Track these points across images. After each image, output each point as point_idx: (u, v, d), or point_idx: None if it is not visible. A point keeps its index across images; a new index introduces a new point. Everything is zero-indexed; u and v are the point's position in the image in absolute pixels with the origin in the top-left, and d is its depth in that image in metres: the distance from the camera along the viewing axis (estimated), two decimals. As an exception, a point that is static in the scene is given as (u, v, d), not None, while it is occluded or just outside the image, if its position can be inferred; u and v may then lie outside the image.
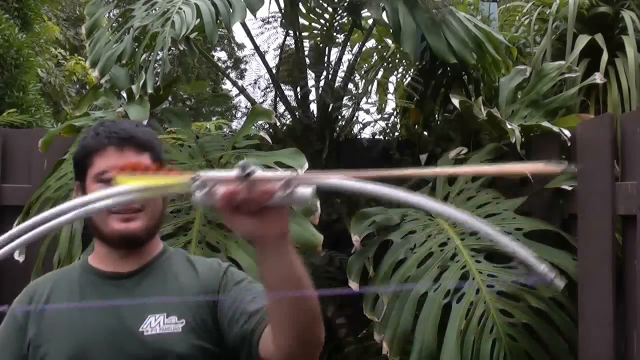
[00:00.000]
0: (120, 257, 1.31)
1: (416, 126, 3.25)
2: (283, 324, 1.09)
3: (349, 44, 3.25)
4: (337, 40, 3.19)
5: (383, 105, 3.54)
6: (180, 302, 1.27)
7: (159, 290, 1.29)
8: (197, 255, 1.43)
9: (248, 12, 2.53)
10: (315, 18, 3.21)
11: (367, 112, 3.27)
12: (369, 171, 0.93)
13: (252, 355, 1.23)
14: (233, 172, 0.89)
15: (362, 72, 3.49)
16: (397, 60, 3.39)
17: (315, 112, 3.15)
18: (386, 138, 3.23)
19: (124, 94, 2.79)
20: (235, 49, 10.25)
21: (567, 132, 2.39)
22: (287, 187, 0.89)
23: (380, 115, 3.37)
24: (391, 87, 3.54)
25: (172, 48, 2.45)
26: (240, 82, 5.27)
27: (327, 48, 3.19)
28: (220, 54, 10.32)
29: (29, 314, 1.29)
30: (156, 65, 2.67)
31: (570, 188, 2.28)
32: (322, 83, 3.12)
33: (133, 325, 1.24)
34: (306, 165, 2.22)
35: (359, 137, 3.28)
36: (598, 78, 2.71)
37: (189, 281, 1.31)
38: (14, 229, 0.87)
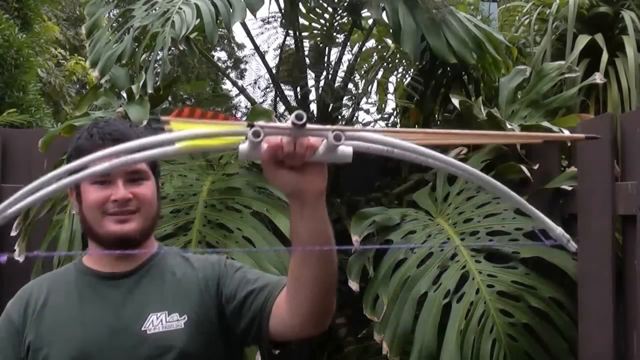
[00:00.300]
0: (116, 258, 1.31)
1: (416, 126, 3.25)
2: (307, 285, 1.13)
3: (349, 44, 3.25)
4: (337, 40, 3.19)
5: (383, 105, 3.55)
6: (180, 299, 1.27)
7: (157, 288, 1.29)
8: (190, 253, 1.44)
9: (248, 12, 2.53)
10: (315, 18, 3.21)
11: (367, 112, 3.28)
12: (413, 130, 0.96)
13: (262, 332, 1.25)
14: (287, 123, 0.89)
15: (362, 72, 3.49)
16: (397, 60, 3.39)
17: (315, 112, 3.15)
18: (386, 138, 3.22)
19: (124, 94, 2.79)
20: (235, 49, 10.25)
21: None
22: (336, 140, 0.89)
23: (380, 115, 3.37)
24: (391, 87, 3.55)
25: (172, 48, 2.45)
26: (240, 82, 5.27)
27: (327, 48, 3.19)
28: (220, 54, 10.32)
29: (27, 317, 1.29)
30: (156, 65, 2.67)
31: (570, 188, 2.27)
32: (322, 83, 3.12)
33: (134, 325, 1.24)
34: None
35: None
36: (598, 78, 2.71)
37: (186, 277, 1.32)
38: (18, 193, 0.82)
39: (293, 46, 3.16)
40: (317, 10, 3.19)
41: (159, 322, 1.25)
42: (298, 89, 3.14)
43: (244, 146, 0.90)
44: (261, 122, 0.90)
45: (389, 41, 3.37)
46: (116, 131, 1.28)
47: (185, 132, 0.87)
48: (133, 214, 1.27)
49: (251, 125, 0.88)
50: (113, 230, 1.26)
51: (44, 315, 1.28)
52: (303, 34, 3.18)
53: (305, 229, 1.07)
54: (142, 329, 1.24)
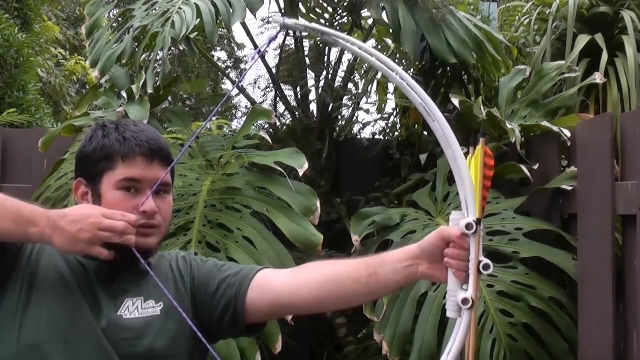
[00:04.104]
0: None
1: (416, 126, 3.25)
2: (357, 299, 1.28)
3: (349, 44, 3.24)
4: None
5: (383, 105, 3.55)
6: (156, 286, 1.24)
7: (136, 277, 1.26)
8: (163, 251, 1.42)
9: (248, 12, 2.53)
10: (315, 18, 3.21)
11: (367, 112, 3.28)
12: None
13: (238, 318, 1.26)
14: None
15: (362, 72, 3.49)
16: (397, 60, 3.39)
17: (315, 112, 3.16)
18: (386, 138, 3.23)
19: (124, 94, 2.79)
20: (235, 49, 10.24)
21: (567, 132, 2.38)
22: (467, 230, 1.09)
23: (380, 115, 3.37)
24: (391, 87, 3.54)
25: (172, 48, 2.45)
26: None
27: (327, 48, 3.19)
28: (220, 54, 10.31)
29: (30, 257, 1.23)
30: (156, 65, 2.68)
31: (570, 188, 2.27)
32: (322, 83, 3.12)
33: (111, 310, 1.21)
34: (306, 165, 2.22)
35: (359, 137, 3.28)
36: (598, 78, 2.71)
37: (161, 266, 1.30)
38: None
39: (293, 46, 3.16)
40: (317, 10, 3.20)
41: (134, 308, 1.23)
42: (298, 89, 3.14)
43: None
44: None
45: (389, 41, 3.38)
46: (153, 141, 1.25)
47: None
48: (155, 229, 1.24)
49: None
50: (137, 242, 1.21)
51: (36, 277, 1.21)
52: (303, 34, 3.18)
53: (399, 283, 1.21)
54: (118, 313, 1.21)
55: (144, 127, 1.30)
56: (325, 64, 3.19)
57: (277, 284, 1.25)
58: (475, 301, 1.05)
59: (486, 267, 1.06)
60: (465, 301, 1.05)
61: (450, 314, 1.08)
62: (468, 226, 1.06)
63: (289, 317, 2.06)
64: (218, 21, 2.50)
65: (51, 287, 1.21)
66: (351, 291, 1.21)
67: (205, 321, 1.27)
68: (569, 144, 2.39)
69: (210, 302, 1.27)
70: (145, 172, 1.23)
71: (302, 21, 0.98)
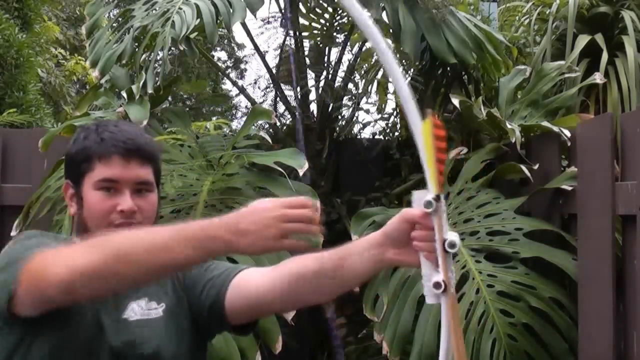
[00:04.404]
0: None
1: (416, 126, 3.24)
2: (324, 294, 1.25)
3: (349, 44, 3.25)
4: (337, 40, 3.19)
5: (383, 105, 3.55)
6: (156, 287, 1.26)
7: None
8: None
9: (248, 12, 2.53)
10: (315, 18, 3.21)
11: (367, 112, 3.28)
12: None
13: (222, 319, 1.26)
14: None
15: (362, 72, 3.49)
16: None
17: (315, 112, 3.15)
18: (386, 138, 3.23)
19: (124, 94, 2.79)
20: (235, 49, 10.24)
21: (567, 132, 2.38)
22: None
23: (380, 115, 3.37)
24: (391, 87, 3.54)
25: (172, 48, 2.45)
26: (240, 82, 5.27)
27: (327, 48, 3.19)
28: (220, 54, 10.31)
29: None
30: (156, 65, 2.67)
31: (570, 188, 2.27)
32: (322, 83, 3.12)
33: (116, 314, 1.22)
34: (306, 165, 2.22)
35: (359, 137, 3.28)
36: (598, 78, 2.71)
37: None
38: None
39: (293, 46, 3.16)
40: (317, 10, 3.20)
41: (139, 309, 1.23)
42: (298, 89, 3.14)
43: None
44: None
45: (389, 41, 3.37)
46: (130, 140, 1.24)
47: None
48: (136, 225, 1.23)
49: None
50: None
51: None
52: (303, 34, 3.18)
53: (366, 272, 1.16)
54: (124, 316, 1.22)
55: (124, 127, 1.30)
56: (325, 64, 3.19)
57: (252, 283, 1.25)
58: (448, 283, 0.97)
59: (451, 245, 0.97)
60: (437, 285, 0.97)
61: (428, 299, 1.01)
62: (426, 204, 0.98)
63: (289, 317, 2.06)
64: (218, 21, 2.50)
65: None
66: (318, 285, 1.18)
67: (198, 321, 1.29)
68: (569, 144, 2.39)
69: (198, 302, 1.28)
70: (122, 172, 1.23)
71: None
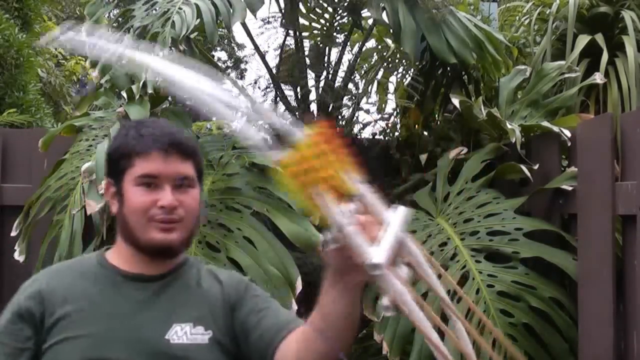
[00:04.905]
0: (148, 261, 1.26)
1: (416, 126, 3.25)
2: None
3: (349, 44, 3.25)
4: (337, 40, 3.19)
5: (383, 105, 3.54)
6: (205, 312, 1.23)
7: (184, 297, 1.25)
8: (215, 267, 1.41)
9: (248, 12, 2.53)
10: (315, 18, 3.21)
11: (367, 112, 3.27)
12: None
13: None
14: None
15: (362, 72, 3.49)
16: (397, 60, 3.39)
17: (315, 112, 3.15)
18: (386, 138, 3.23)
19: (124, 94, 2.79)
20: (235, 49, 10.25)
21: (567, 132, 2.38)
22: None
23: (380, 115, 3.37)
24: (391, 87, 3.54)
25: (172, 48, 2.45)
26: (240, 82, 5.26)
27: (327, 48, 3.19)
28: (220, 54, 10.32)
29: (44, 312, 1.22)
30: (156, 65, 2.67)
31: (570, 188, 2.27)
32: (322, 83, 3.12)
33: (157, 331, 1.20)
34: (306, 165, 2.21)
35: (359, 137, 3.28)
36: (598, 78, 2.71)
37: (212, 290, 1.28)
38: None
39: (293, 46, 3.16)
40: (317, 10, 3.19)
41: (183, 333, 1.20)
42: (298, 89, 3.14)
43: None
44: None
45: (389, 41, 3.37)
46: (169, 135, 1.24)
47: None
48: (177, 223, 1.22)
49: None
50: (157, 238, 1.21)
51: (62, 310, 1.22)
52: (303, 34, 3.18)
53: (346, 307, 1.09)
54: (166, 337, 1.19)
55: (163, 123, 1.30)
56: (325, 64, 3.19)
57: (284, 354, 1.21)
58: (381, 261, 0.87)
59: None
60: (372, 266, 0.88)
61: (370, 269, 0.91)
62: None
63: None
64: (218, 21, 2.50)
65: (76, 321, 1.21)
66: (321, 350, 1.13)
67: (243, 351, 1.25)
68: (569, 144, 2.39)
69: (246, 345, 1.24)
70: (162, 167, 1.22)
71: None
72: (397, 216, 0.95)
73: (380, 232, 0.93)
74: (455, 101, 2.63)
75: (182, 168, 1.24)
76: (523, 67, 2.93)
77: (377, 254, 0.88)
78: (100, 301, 1.23)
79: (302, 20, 3.17)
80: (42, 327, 1.22)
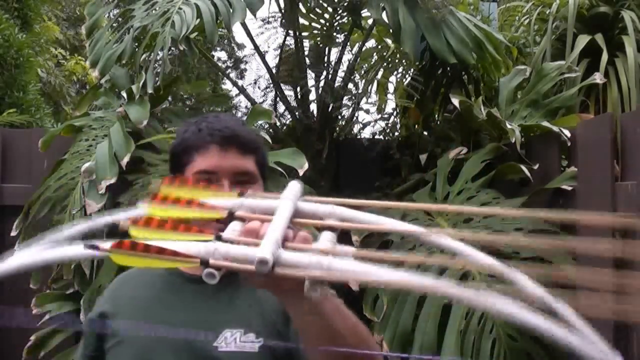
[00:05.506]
0: None
1: (416, 126, 3.25)
2: None
3: (349, 44, 3.25)
4: (337, 40, 3.19)
5: (383, 105, 3.54)
6: (258, 319, 1.17)
7: (237, 301, 1.20)
8: None
9: (248, 12, 2.53)
10: (315, 18, 3.21)
11: (367, 112, 3.28)
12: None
13: None
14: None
15: (362, 72, 3.49)
16: (397, 60, 3.39)
17: (315, 112, 3.15)
18: (386, 138, 3.23)
19: (124, 94, 2.79)
20: (235, 49, 10.24)
21: (567, 132, 2.38)
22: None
23: (380, 115, 3.37)
24: (391, 87, 3.55)
25: (172, 48, 2.45)
26: (240, 82, 5.27)
27: (327, 48, 3.19)
28: (220, 54, 10.31)
29: (112, 315, 1.22)
30: (156, 65, 2.67)
31: (570, 188, 2.27)
32: (322, 83, 3.12)
33: (207, 337, 1.15)
34: (306, 165, 2.22)
35: (359, 137, 3.28)
36: (598, 78, 2.71)
37: (266, 297, 1.17)
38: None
39: (293, 46, 3.16)
40: (317, 10, 3.20)
41: (232, 340, 1.14)
42: (298, 89, 3.14)
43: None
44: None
45: (389, 41, 3.37)
46: (227, 128, 1.20)
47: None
48: None
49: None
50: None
51: (124, 311, 1.21)
52: (303, 34, 3.18)
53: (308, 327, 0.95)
54: (214, 344, 1.14)
55: (224, 117, 1.26)
56: (325, 64, 3.19)
57: None
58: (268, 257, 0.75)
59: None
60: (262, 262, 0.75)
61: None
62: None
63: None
64: (218, 21, 2.50)
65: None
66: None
67: None
68: (569, 144, 2.39)
69: (297, 354, 1.15)
70: (219, 162, 1.18)
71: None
72: (286, 195, 0.88)
73: (265, 225, 0.83)
74: (455, 101, 2.63)
75: (241, 163, 1.19)
76: (523, 67, 2.93)
77: (259, 250, 0.76)
78: (157, 305, 1.20)
79: (302, 20, 3.17)
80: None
